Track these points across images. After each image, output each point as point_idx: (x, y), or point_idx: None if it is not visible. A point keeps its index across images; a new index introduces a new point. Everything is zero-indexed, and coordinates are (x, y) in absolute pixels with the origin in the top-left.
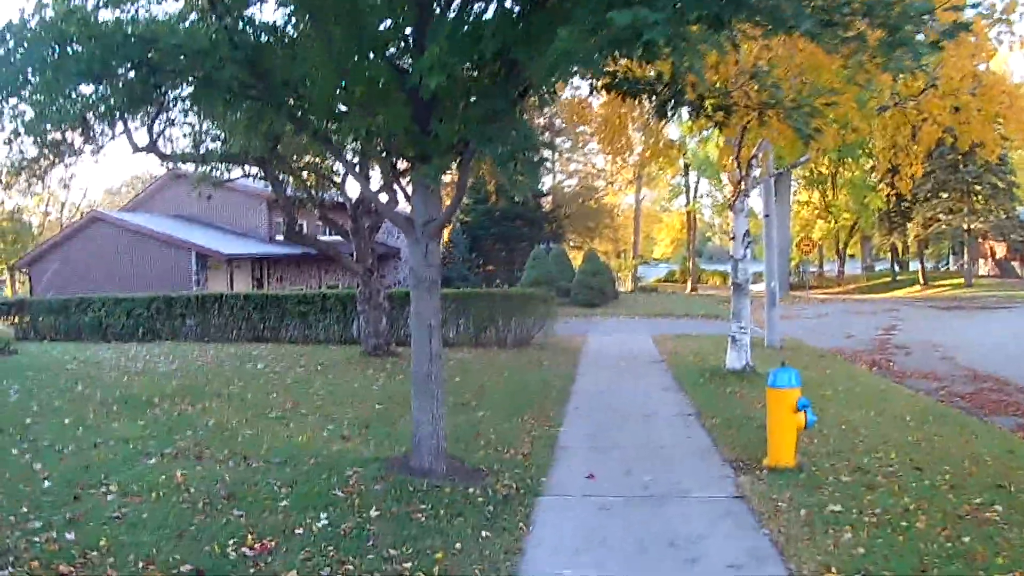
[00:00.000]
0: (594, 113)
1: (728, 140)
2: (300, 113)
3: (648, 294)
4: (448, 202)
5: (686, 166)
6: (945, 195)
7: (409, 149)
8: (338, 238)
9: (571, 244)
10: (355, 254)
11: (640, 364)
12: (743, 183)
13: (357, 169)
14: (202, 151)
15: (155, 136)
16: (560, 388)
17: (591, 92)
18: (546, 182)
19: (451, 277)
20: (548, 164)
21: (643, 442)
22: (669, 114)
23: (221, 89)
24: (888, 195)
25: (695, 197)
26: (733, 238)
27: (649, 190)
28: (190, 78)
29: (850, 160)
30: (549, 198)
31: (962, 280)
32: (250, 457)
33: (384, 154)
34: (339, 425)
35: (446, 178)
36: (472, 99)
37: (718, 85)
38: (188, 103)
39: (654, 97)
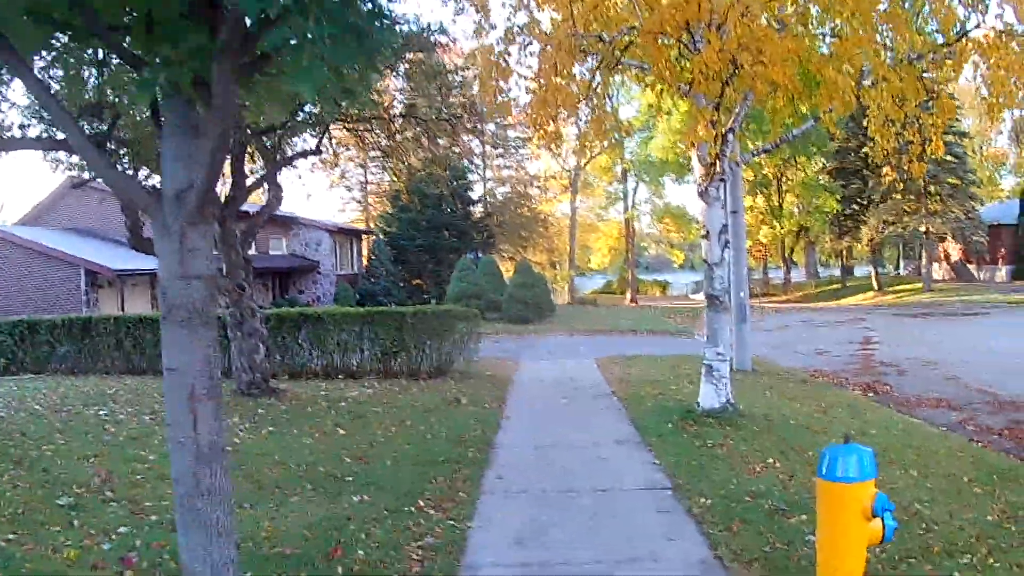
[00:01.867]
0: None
1: (698, 102)
2: None
3: (586, 307)
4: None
5: (624, 171)
6: (898, 196)
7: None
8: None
9: (504, 255)
10: (224, 267)
11: (585, 399)
12: (718, 163)
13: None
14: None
15: None
16: (479, 443)
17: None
18: (476, 189)
19: (374, 292)
20: (477, 170)
21: (601, 554)
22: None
23: None
24: (843, 197)
25: (633, 204)
26: (705, 235)
27: (584, 198)
28: None
29: (798, 160)
30: (479, 206)
31: (919, 285)
32: None
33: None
34: (129, 533)
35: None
36: None
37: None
38: None
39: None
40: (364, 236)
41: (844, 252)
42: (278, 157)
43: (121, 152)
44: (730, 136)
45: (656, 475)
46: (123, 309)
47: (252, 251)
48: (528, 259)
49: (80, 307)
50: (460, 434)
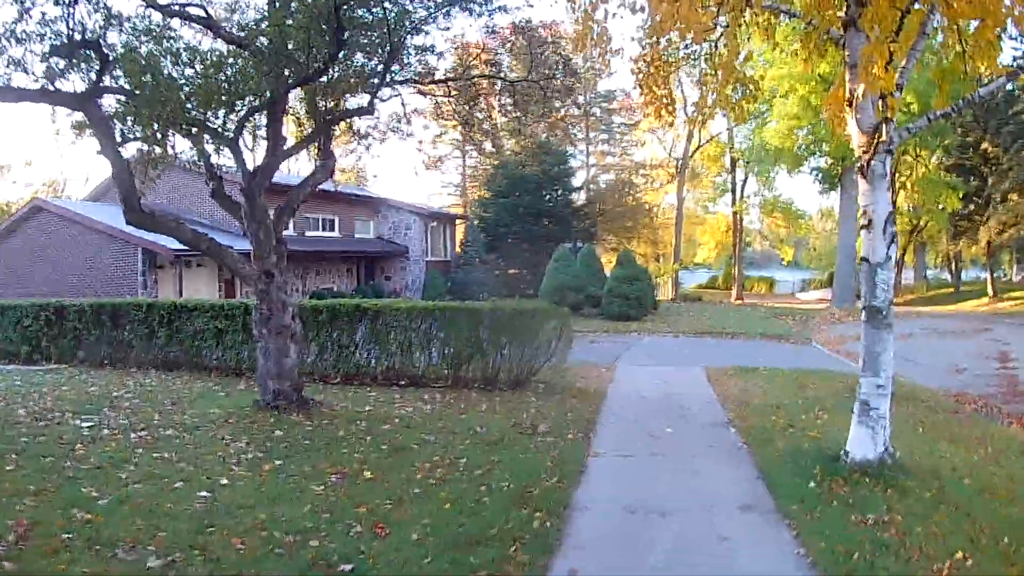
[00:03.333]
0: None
1: (854, 47)
2: None
3: (691, 304)
4: None
5: (733, 161)
6: (1016, 197)
7: None
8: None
9: (607, 246)
10: (253, 249)
11: (695, 429)
12: (885, 126)
13: None
14: None
15: None
16: (550, 501)
17: None
18: (579, 175)
19: (466, 281)
20: (580, 155)
21: None
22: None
23: None
24: (966, 194)
25: (742, 196)
26: (865, 225)
27: (691, 188)
28: None
29: (918, 153)
30: (582, 193)
31: None
32: None
33: None
34: None
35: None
36: None
37: None
38: None
39: None
40: (458, 222)
41: (954, 255)
42: (325, 118)
43: None
44: (897, 94)
45: None
46: (181, 292)
47: (323, 232)
48: (631, 250)
49: (137, 289)
50: (527, 484)
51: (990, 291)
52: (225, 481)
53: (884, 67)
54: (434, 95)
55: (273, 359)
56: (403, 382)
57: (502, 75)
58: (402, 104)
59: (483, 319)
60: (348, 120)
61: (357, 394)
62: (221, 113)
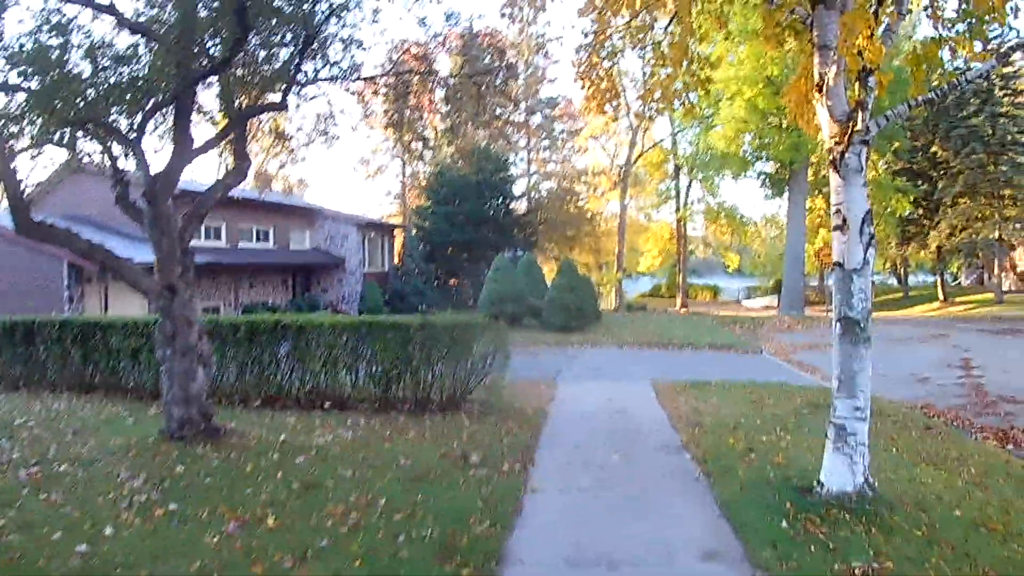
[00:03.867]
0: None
1: (824, 33)
2: None
3: (636, 313)
4: None
5: (676, 168)
6: (966, 201)
7: None
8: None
9: (549, 255)
10: (156, 260)
11: (646, 455)
12: (859, 116)
13: None
14: None
15: None
16: (480, 551)
17: None
18: (520, 183)
19: (404, 292)
20: (520, 163)
21: None
22: None
23: None
24: (915, 198)
25: (686, 203)
26: (839, 226)
27: (634, 196)
28: None
29: (871, 157)
30: (523, 201)
31: (988, 296)
32: None
33: None
34: None
35: None
36: None
37: None
38: None
39: None
40: (397, 231)
41: (902, 259)
42: (234, 115)
43: None
44: (871, 80)
45: None
46: (107, 308)
47: (257, 243)
48: (574, 259)
49: (63, 305)
50: (454, 531)
51: (940, 296)
52: (110, 531)
53: (867, 37)
54: (361, 94)
55: (178, 383)
56: (328, 404)
57: (435, 71)
58: (328, 104)
59: (413, 335)
60: (265, 119)
61: (275, 419)
62: (124, 111)
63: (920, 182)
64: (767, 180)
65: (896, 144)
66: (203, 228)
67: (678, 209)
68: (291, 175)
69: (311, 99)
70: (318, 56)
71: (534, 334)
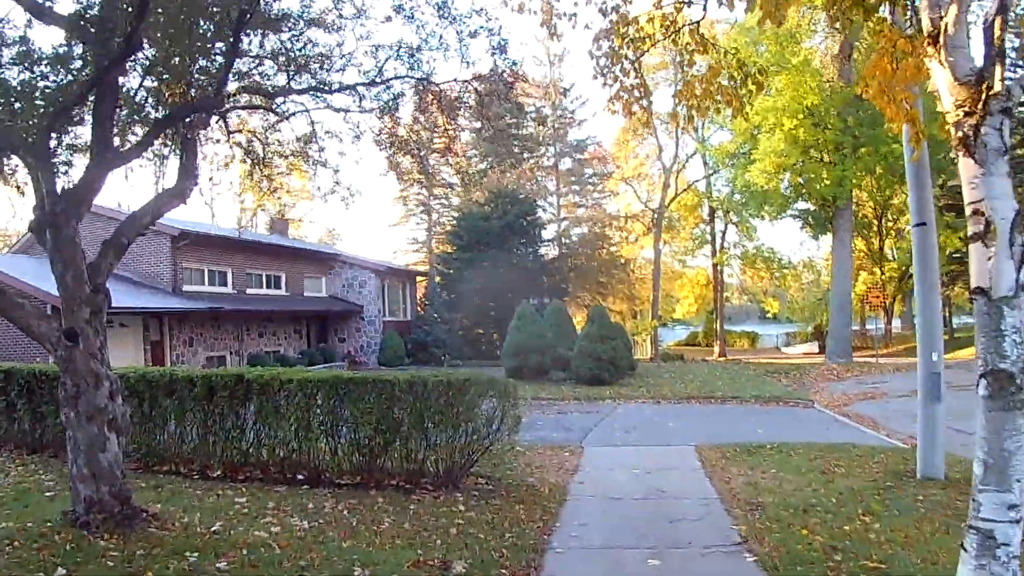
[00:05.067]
0: None
1: None
2: None
3: (672, 363)
4: None
5: (711, 212)
6: None
7: None
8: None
9: (580, 303)
10: (61, 300)
11: (695, 563)
12: (995, 72)
13: None
14: None
15: None
16: None
17: None
18: (549, 228)
19: (425, 342)
20: (551, 208)
21: None
22: None
23: None
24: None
25: (722, 247)
26: (979, 236)
27: (667, 242)
28: None
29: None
30: (552, 246)
31: None
32: None
33: None
34: None
35: None
36: None
37: None
38: None
39: None
40: (419, 279)
41: (947, 300)
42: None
43: None
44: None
45: None
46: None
47: (267, 289)
48: (607, 307)
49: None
50: None
51: None
52: None
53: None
54: (343, 110)
55: (84, 455)
56: (301, 476)
57: (428, 78)
58: (310, 123)
59: (400, 395)
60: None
61: (222, 499)
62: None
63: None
64: (809, 219)
65: (942, 179)
66: (206, 273)
67: (714, 254)
68: (315, 222)
69: (290, 115)
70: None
71: (561, 388)
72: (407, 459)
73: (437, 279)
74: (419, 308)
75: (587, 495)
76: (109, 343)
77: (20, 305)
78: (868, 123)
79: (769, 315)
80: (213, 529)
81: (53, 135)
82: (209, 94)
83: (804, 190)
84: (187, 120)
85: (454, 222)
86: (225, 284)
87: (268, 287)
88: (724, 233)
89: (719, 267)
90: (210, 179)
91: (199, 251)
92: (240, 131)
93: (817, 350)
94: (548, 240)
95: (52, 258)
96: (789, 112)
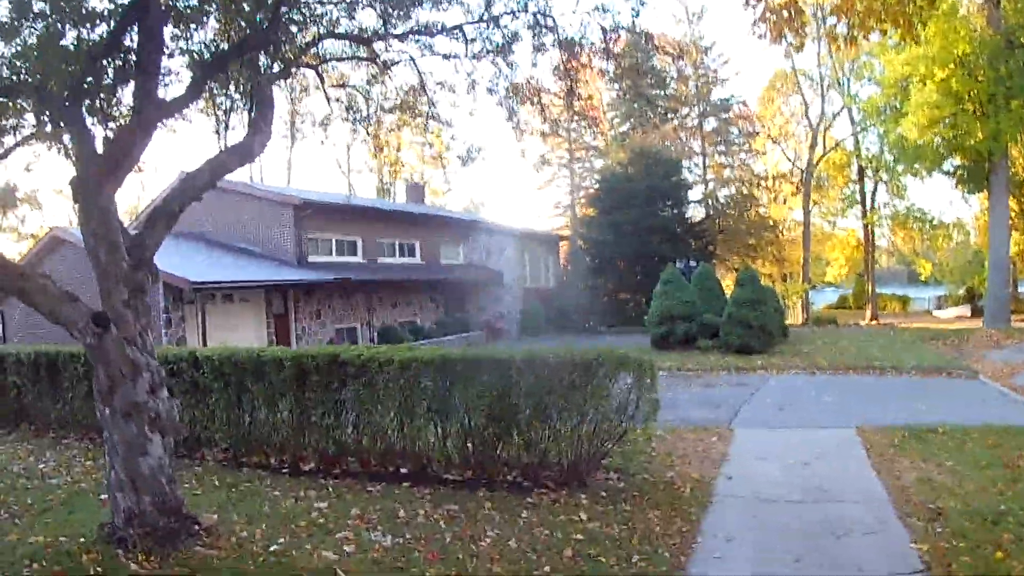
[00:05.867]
0: None
1: None
2: None
3: (824, 328)
4: None
5: (860, 171)
6: None
7: None
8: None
9: (729, 266)
10: (96, 274)
11: None
12: None
13: None
14: None
15: None
16: None
17: None
18: (694, 190)
19: (569, 308)
20: (697, 171)
21: None
22: None
23: None
24: None
25: (872, 207)
26: None
27: (816, 203)
28: None
29: None
30: (698, 208)
31: None
32: None
33: None
34: None
35: None
36: None
37: None
38: None
39: None
40: (561, 243)
41: None
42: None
43: None
44: None
45: None
46: (205, 333)
47: (400, 258)
48: (754, 269)
49: (160, 330)
50: None
51: None
52: None
53: None
54: (452, 56)
55: (122, 459)
56: (405, 469)
57: (544, 12)
58: (418, 73)
59: (516, 376)
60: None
61: (299, 502)
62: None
63: None
64: (965, 173)
65: None
66: (334, 243)
67: (864, 214)
68: (451, 190)
69: (391, 64)
70: None
71: (709, 358)
72: (527, 450)
73: (580, 243)
74: (561, 274)
75: (735, 495)
76: (230, 318)
77: (43, 288)
78: (1019, 73)
79: (921, 278)
80: (272, 548)
81: (85, 88)
82: (261, 28)
83: (956, 145)
84: (242, 63)
85: (596, 185)
86: (355, 253)
87: (401, 255)
88: (874, 192)
89: (870, 227)
90: (323, 141)
91: (325, 221)
92: (343, 85)
93: (970, 314)
94: (694, 201)
95: (83, 230)
96: (940, 62)
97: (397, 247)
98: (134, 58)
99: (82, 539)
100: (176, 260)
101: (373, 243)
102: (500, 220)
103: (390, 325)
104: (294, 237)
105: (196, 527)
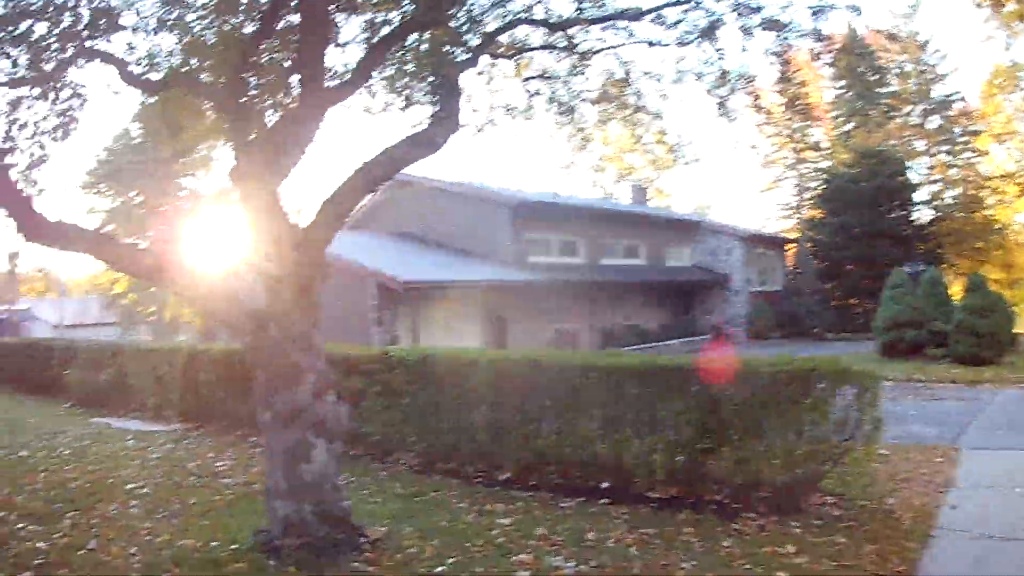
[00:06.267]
0: None
1: None
2: None
3: None
4: None
5: None
6: None
7: None
8: None
9: (956, 271)
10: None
11: None
12: None
13: None
14: None
15: None
16: None
17: None
18: (920, 191)
19: (796, 313)
20: (921, 171)
21: None
22: None
23: None
24: None
25: None
26: None
27: None
28: None
29: None
30: (924, 210)
31: None
32: None
33: None
34: None
35: None
36: None
37: None
38: None
39: None
40: (788, 246)
41: None
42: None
43: None
44: None
45: None
46: (417, 332)
47: (623, 260)
48: (980, 274)
49: (369, 328)
50: None
51: None
52: None
53: None
54: (654, 42)
55: (282, 466)
56: (605, 484)
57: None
58: (621, 63)
59: (727, 388)
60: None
61: (481, 516)
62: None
63: None
64: None
65: None
66: (552, 243)
67: None
68: (672, 194)
69: (592, 53)
70: None
71: (937, 368)
72: (738, 468)
73: (808, 246)
74: (788, 277)
75: (960, 529)
76: (444, 317)
77: (186, 274)
78: None
79: None
80: (439, 569)
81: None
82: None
83: None
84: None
85: (823, 186)
86: (575, 255)
87: (624, 257)
88: None
89: None
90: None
91: (543, 221)
92: (543, 76)
93: None
94: (920, 203)
95: (251, 219)
96: None
97: (620, 248)
98: (296, 43)
99: (235, 545)
100: (390, 259)
101: (594, 244)
102: (726, 222)
103: (612, 327)
104: (512, 237)
105: (362, 539)
